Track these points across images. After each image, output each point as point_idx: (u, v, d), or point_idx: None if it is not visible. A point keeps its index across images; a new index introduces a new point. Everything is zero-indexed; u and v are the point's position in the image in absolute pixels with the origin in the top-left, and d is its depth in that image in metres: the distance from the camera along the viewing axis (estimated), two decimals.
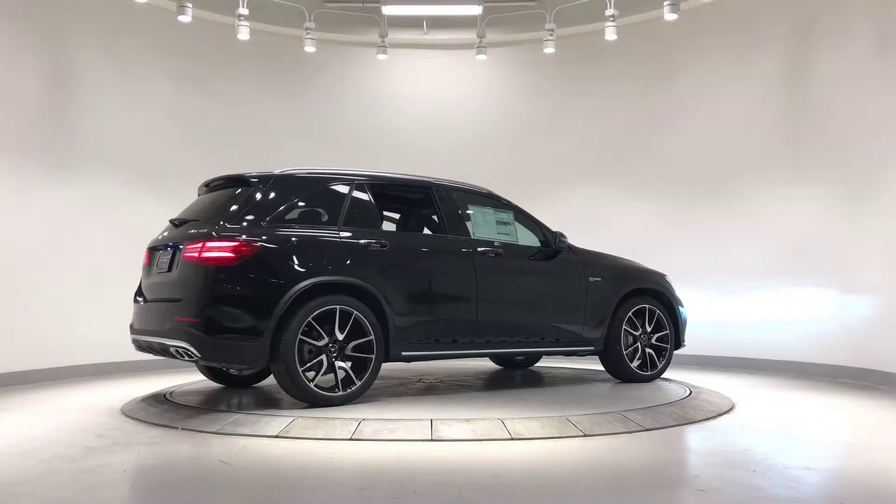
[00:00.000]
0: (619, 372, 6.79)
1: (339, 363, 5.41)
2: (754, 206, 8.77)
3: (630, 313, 6.71)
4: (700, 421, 5.39)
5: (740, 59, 8.97)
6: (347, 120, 10.08)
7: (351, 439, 4.71)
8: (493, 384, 6.78)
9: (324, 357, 5.37)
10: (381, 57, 9.74)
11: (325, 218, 5.71)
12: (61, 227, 8.04)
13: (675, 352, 7.12)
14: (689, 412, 5.53)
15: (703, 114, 9.26)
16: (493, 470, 4.06)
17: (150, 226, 8.70)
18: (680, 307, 7.09)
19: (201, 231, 5.42)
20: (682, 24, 9.00)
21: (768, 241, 8.59)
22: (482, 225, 6.38)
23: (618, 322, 6.65)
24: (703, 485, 3.90)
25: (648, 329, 6.82)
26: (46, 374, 7.69)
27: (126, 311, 8.37)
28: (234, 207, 5.49)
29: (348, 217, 5.74)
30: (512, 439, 4.72)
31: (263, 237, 5.36)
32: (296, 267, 5.34)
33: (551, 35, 9.34)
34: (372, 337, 5.52)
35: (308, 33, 9.35)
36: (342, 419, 4.98)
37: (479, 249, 6.14)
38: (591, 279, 6.58)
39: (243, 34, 8.79)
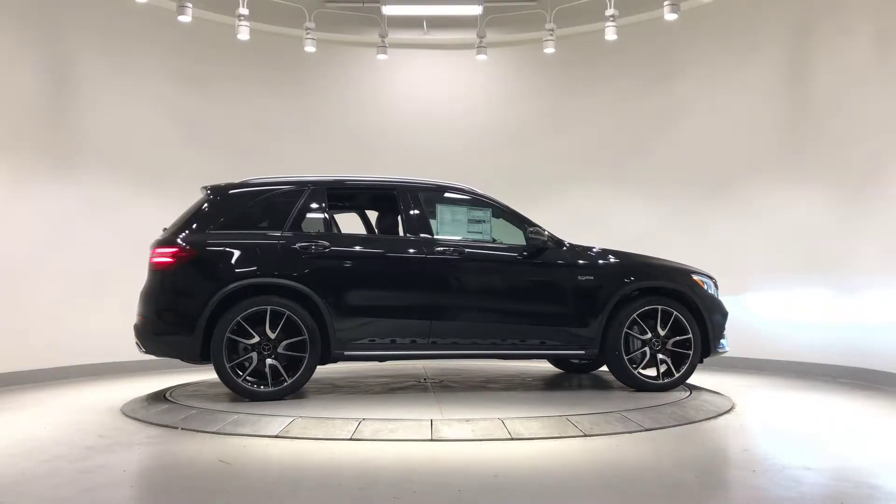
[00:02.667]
0: (624, 379, 6.25)
1: (269, 361, 5.71)
2: (754, 206, 8.76)
3: (635, 315, 6.16)
4: (700, 421, 5.39)
5: (740, 59, 8.96)
6: (347, 120, 10.08)
7: (351, 439, 4.72)
8: (493, 384, 6.78)
9: (254, 354, 5.70)
10: (381, 57, 9.73)
11: (272, 223, 6.03)
12: (61, 227, 8.04)
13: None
14: (689, 412, 5.53)
15: (703, 114, 9.25)
16: (493, 470, 4.06)
17: (150, 226, 8.67)
18: (711, 310, 6.35)
19: (157, 239, 6.04)
20: (682, 24, 8.99)
21: (768, 240, 8.59)
22: (449, 224, 6.27)
23: (617, 325, 6.13)
24: (703, 485, 3.90)
25: (662, 332, 6.19)
26: (46, 374, 7.69)
27: (125, 310, 8.40)
28: (191, 215, 6.06)
29: (296, 222, 6.03)
30: (512, 439, 4.72)
31: (200, 243, 5.87)
32: (227, 270, 5.78)
33: (551, 35, 9.34)
34: (305, 336, 5.72)
35: (308, 33, 9.34)
36: (342, 419, 4.99)
37: (436, 249, 6.06)
38: (580, 278, 6.17)
39: (243, 34, 8.78)
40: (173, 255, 5.82)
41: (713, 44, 9.20)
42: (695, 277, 6.46)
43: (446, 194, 6.41)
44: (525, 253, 6.22)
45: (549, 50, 9.41)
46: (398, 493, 3.66)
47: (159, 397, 6.11)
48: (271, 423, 4.97)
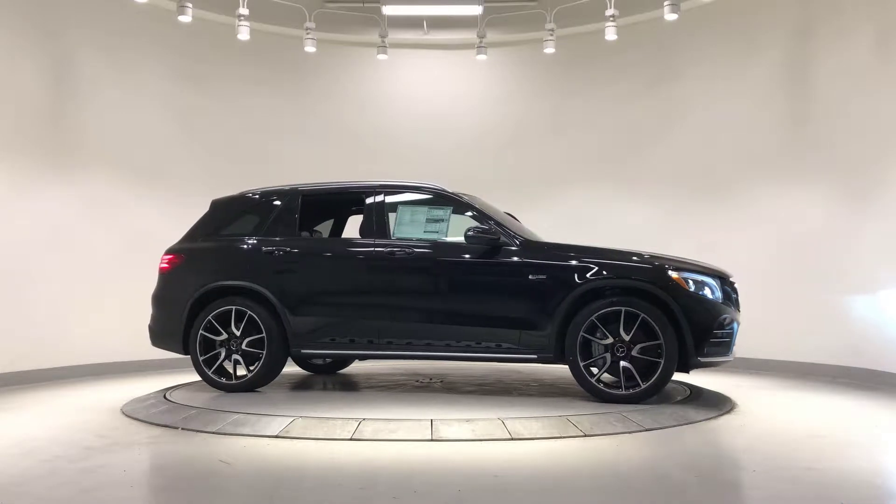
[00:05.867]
0: (584, 387, 5.73)
1: (235, 356, 6.27)
2: (754, 206, 8.76)
3: (594, 317, 5.60)
4: (700, 421, 5.39)
5: (740, 59, 8.96)
6: (347, 120, 10.08)
7: (351, 439, 4.72)
8: (493, 384, 6.78)
9: (223, 350, 6.29)
10: (381, 57, 9.73)
11: (253, 230, 6.56)
12: (61, 228, 8.04)
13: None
14: (689, 412, 5.53)
15: (703, 114, 9.25)
16: (493, 470, 4.06)
17: (150, 226, 8.74)
18: (690, 313, 5.56)
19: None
20: (682, 25, 8.99)
21: (768, 240, 8.59)
22: (408, 224, 6.24)
23: (574, 327, 5.65)
24: (704, 485, 3.90)
25: (626, 337, 5.58)
26: (46, 374, 7.69)
27: (125, 310, 8.40)
28: (194, 225, 6.79)
29: (270, 228, 6.49)
30: (512, 439, 4.72)
31: (188, 250, 6.64)
32: (204, 274, 6.43)
33: (551, 35, 9.33)
34: (264, 334, 6.15)
35: (308, 33, 9.34)
36: (342, 419, 4.99)
37: (386, 250, 6.07)
38: (531, 277, 5.80)
39: (243, 34, 8.78)
40: (169, 261, 6.65)
41: (713, 44, 9.20)
42: (674, 275, 5.65)
43: (412, 194, 6.42)
44: (486, 251, 5.94)
45: (550, 50, 9.41)
46: (398, 493, 3.66)
47: (159, 397, 6.11)
48: (271, 424, 4.98)
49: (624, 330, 5.58)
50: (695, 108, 9.31)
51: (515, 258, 5.93)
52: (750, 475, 4.03)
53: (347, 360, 7.82)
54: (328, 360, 7.64)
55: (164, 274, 6.65)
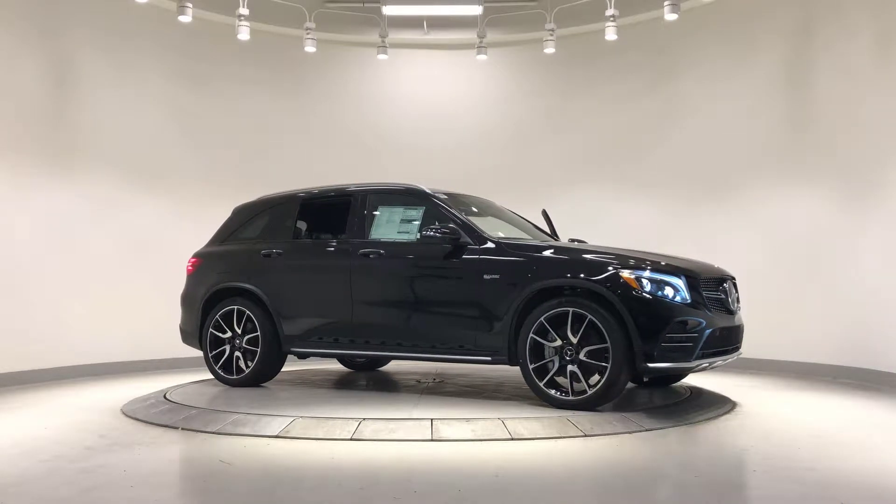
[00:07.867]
0: (533, 390, 5.49)
1: (236, 353, 6.63)
2: (754, 206, 8.76)
3: (542, 318, 5.35)
4: (700, 421, 5.39)
5: (740, 59, 8.96)
6: (347, 120, 10.08)
7: (351, 439, 4.72)
8: (493, 385, 6.78)
9: (227, 347, 6.66)
10: (382, 57, 9.73)
11: (260, 234, 6.95)
12: (61, 227, 8.04)
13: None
14: (689, 412, 5.53)
15: (703, 114, 9.24)
16: (493, 470, 4.06)
17: (150, 226, 8.75)
18: (638, 315, 5.14)
19: None
20: (682, 25, 8.99)
21: (768, 240, 8.58)
22: (384, 226, 6.27)
23: (524, 329, 5.43)
24: (704, 485, 3.90)
25: (574, 339, 5.27)
26: (46, 374, 7.69)
27: (125, 310, 8.41)
28: (217, 230, 7.27)
29: (273, 231, 6.88)
30: (512, 439, 4.72)
31: (205, 253, 7.12)
32: (213, 275, 6.87)
33: (551, 35, 9.33)
34: (258, 333, 6.49)
35: (308, 33, 9.34)
36: (342, 419, 4.99)
37: (360, 251, 6.13)
38: (485, 277, 5.62)
39: (243, 34, 8.77)
40: (192, 263, 7.14)
41: (713, 44, 9.19)
42: (625, 274, 5.26)
43: (395, 196, 6.42)
44: (449, 250, 5.80)
45: (550, 50, 9.40)
46: (398, 493, 3.66)
47: (159, 397, 6.11)
48: (271, 424, 4.98)
49: (572, 332, 5.28)
50: (695, 108, 9.30)
51: (472, 257, 5.74)
52: (750, 475, 4.03)
53: (383, 359, 7.87)
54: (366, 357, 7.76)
55: (188, 276, 7.13)
